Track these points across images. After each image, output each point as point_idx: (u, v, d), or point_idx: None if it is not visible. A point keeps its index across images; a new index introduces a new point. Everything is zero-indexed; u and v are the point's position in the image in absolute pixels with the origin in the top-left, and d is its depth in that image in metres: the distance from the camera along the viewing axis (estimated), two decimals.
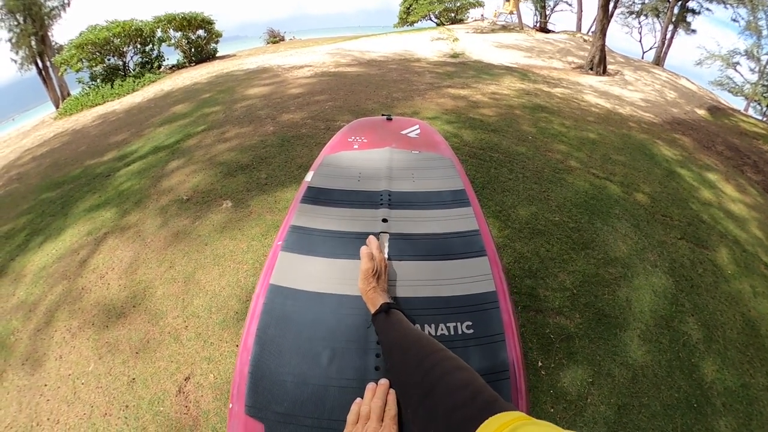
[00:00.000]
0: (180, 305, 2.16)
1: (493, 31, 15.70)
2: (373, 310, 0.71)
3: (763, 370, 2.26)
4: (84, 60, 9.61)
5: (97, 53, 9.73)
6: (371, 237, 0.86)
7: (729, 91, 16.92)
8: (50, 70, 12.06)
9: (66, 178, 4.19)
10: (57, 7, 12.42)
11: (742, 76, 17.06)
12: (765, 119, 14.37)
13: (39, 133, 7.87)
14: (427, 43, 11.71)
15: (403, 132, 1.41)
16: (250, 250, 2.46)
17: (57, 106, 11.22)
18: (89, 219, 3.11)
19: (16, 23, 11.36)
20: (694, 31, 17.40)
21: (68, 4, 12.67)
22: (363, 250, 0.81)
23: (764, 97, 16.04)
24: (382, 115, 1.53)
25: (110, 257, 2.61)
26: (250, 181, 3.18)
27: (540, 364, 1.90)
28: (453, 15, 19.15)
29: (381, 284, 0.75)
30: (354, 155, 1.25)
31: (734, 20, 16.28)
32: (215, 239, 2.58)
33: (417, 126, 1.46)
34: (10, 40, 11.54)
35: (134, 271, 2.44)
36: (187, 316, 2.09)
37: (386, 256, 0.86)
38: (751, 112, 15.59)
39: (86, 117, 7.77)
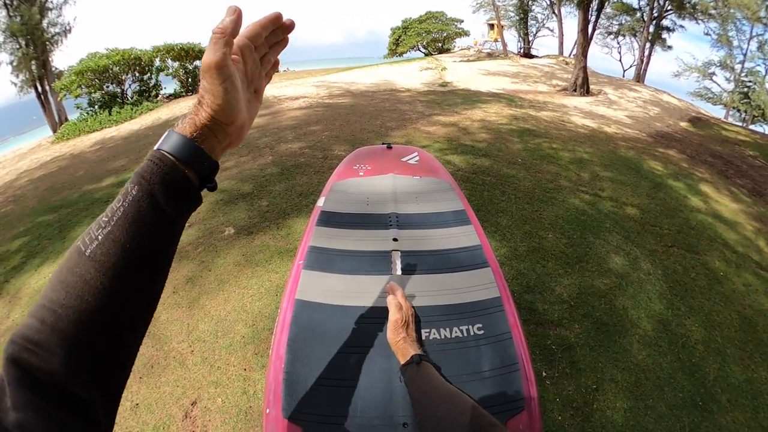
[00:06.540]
0: (185, 330, 2.16)
1: (479, 59, 16.33)
2: (403, 361, 0.70)
3: (764, 365, 2.31)
4: (83, 86, 9.76)
5: (96, 80, 9.90)
6: (393, 284, 0.86)
7: (708, 101, 17.47)
8: (49, 94, 12.14)
9: (63, 202, 4.19)
10: (59, 33, 12.62)
11: (719, 85, 17.62)
12: (744, 125, 14.79)
13: (36, 156, 7.87)
14: (417, 73, 12.09)
15: (404, 159, 1.52)
16: (254, 275, 2.48)
17: (54, 131, 11.23)
18: None
19: (18, 47, 11.49)
20: (670, 47, 18.20)
21: (70, 31, 12.90)
22: (390, 299, 0.80)
23: (742, 104, 16.46)
24: (383, 143, 1.63)
25: None
26: (251, 209, 3.22)
27: (544, 374, 1.94)
28: (440, 45, 19.92)
29: (410, 333, 0.75)
30: (360, 182, 1.35)
31: (707, 34, 17.02)
32: (219, 265, 2.60)
33: (416, 153, 1.57)
34: (11, 63, 11.64)
35: None
36: (193, 340, 2.09)
37: (399, 272, 0.94)
38: (730, 119, 16.06)
39: (84, 142, 7.83)
